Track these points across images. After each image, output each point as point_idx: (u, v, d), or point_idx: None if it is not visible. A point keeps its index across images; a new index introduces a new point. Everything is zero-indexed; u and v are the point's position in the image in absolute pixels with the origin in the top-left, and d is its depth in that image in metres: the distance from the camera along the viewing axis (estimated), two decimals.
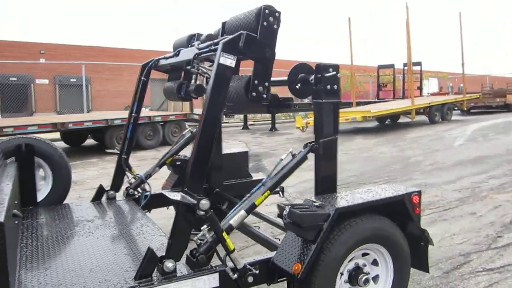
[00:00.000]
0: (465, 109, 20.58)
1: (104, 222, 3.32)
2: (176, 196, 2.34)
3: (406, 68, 20.85)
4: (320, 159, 2.86)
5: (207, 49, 2.91)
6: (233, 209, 2.60)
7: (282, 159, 2.75)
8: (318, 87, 2.80)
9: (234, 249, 2.35)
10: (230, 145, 12.22)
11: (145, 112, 14.46)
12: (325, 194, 2.80)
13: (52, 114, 21.50)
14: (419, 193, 2.81)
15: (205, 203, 2.26)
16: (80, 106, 18.02)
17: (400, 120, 17.88)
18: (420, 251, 2.77)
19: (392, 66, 22.22)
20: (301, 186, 6.78)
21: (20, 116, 18.82)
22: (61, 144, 13.01)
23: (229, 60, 2.46)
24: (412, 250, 2.72)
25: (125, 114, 13.51)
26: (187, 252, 2.38)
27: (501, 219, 4.57)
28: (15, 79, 20.54)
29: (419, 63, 21.21)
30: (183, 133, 4.44)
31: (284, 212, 2.38)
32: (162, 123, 12.31)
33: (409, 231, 2.75)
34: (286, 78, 2.99)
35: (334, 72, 2.78)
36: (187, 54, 3.35)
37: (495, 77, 37.22)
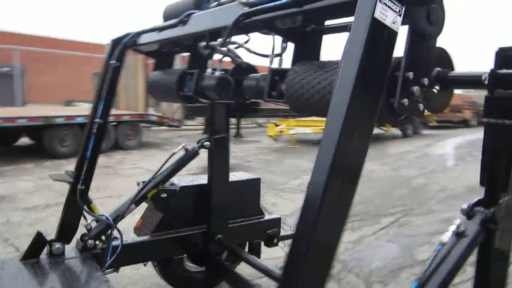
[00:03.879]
0: (434, 123, 20.19)
1: None
2: None
3: None
4: (496, 238, 1.45)
5: (278, 3, 1.41)
6: None
7: (444, 244, 1.32)
8: (501, 93, 1.40)
9: None
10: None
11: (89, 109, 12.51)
12: None
13: None
14: None
15: None
16: (13, 98, 15.57)
17: None
18: None
19: None
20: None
21: None
22: None
23: (391, 15, 1.01)
24: None
25: (67, 110, 11.56)
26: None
27: None
28: None
29: None
30: (174, 151, 2.81)
31: None
32: (115, 123, 10.42)
33: None
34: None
35: None
36: (211, 19, 1.84)
37: None
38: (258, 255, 3.30)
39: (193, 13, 2.05)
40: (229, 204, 3.08)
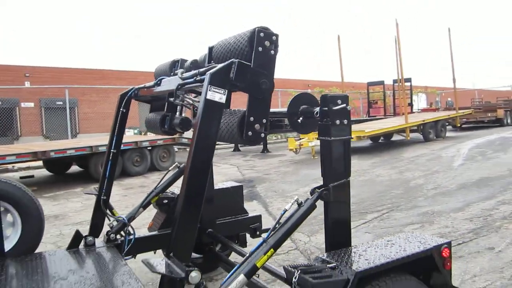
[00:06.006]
0: (458, 125, 20.38)
1: (80, 279, 2.84)
2: (160, 265, 1.88)
3: (396, 84, 20.67)
4: (330, 207, 2.41)
5: (191, 80, 2.48)
6: (230, 273, 2.14)
7: (286, 210, 2.29)
8: (325, 122, 2.38)
9: None
10: (221, 169, 11.76)
11: (131, 136, 14.00)
12: (338, 249, 2.36)
13: (38, 138, 21.02)
14: (449, 245, 2.38)
15: (195, 275, 1.84)
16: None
17: (393, 138, 17.59)
18: None
19: (382, 82, 22.12)
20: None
21: (4, 140, 18.44)
22: (44, 172, 12.46)
23: (218, 95, 2.04)
24: None
25: None
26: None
27: None
28: None
29: (409, 79, 21.05)
30: (170, 168, 3.98)
31: (294, 279, 1.95)
32: (150, 148, 11.81)
33: None
34: (285, 109, 2.59)
35: (344, 105, 2.36)
36: (169, 84, 2.93)
37: (482, 91, 37.25)
38: (245, 245, 4.30)
39: (163, 78, 3.14)
40: (216, 206, 4.09)
